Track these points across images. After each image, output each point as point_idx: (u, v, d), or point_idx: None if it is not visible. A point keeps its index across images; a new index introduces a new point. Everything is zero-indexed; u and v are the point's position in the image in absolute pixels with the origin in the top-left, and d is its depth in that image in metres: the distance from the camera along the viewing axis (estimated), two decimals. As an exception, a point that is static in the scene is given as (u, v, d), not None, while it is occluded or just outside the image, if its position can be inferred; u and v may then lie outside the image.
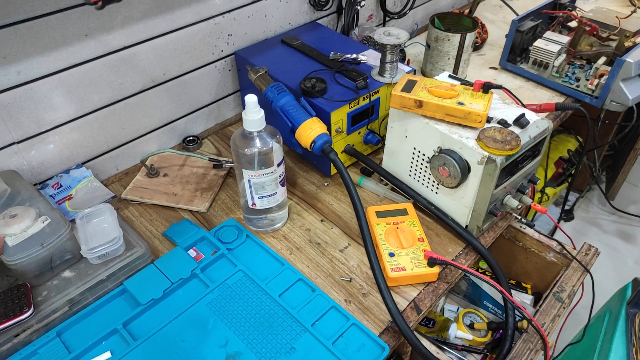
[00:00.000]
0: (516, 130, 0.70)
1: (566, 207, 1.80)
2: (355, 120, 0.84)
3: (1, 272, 0.66)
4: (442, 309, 0.94)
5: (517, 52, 1.14)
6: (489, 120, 0.71)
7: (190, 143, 0.96)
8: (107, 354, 0.62)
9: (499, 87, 0.74)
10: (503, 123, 0.70)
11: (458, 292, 0.94)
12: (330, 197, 0.86)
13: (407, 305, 0.68)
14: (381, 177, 0.86)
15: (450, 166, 0.69)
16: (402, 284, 0.70)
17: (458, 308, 0.91)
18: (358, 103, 0.82)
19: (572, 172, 1.60)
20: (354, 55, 0.91)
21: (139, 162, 0.92)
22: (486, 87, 0.72)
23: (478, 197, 0.71)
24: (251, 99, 0.66)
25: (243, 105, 1.04)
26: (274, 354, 0.62)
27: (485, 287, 0.87)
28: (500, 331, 0.83)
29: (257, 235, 0.78)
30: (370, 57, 0.92)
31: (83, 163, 0.84)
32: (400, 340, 0.65)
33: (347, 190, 0.71)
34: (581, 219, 1.84)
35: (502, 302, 0.85)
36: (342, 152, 0.87)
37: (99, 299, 0.67)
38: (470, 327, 0.85)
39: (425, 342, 0.66)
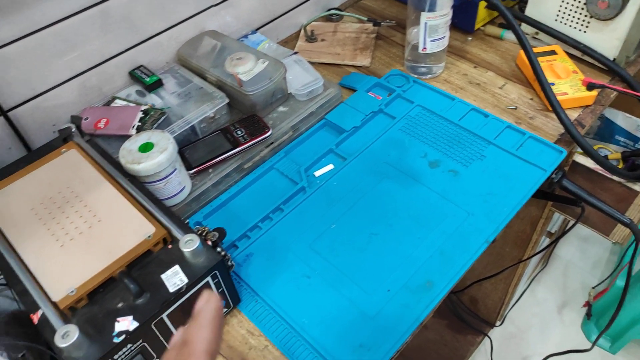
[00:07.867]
0: (673, -40, 0.76)
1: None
2: (500, -26, 0.92)
3: (231, 108, 0.80)
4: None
5: None
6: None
7: (334, 15, 1.05)
8: (330, 166, 0.76)
9: None
10: (660, -46, 0.77)
11: (588, 132, 1.04)
12: (476, 49, 0.95)
13: (572, 122, 0.79)
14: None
15: (612, -4, 0.77)
16: (564, 107, 0.81)
17: (588, 146, 1.02)
18: (506, -44, 0.89)
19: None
20: None
21: (293, 32, 1.03)
22: None
23: (633, 26, 0.79)
24: (437, -59, 0.74)
25: (372, -21, 1.12)
26: (468, 160, 0.75)
27: (620, 121, 0.97)
28: (631, 160, 0.94)
29: (421, 80, 0.89)
30: None
31: (256, 29, 0.95)
32: (571, 146, 0.77)
33: (511, 28, 0.80)
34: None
35: (636, 134, 0.95)
36: (485, 7, 0.95)
37: (308, 129, 0.81)
38: (605, 158, 0.96)
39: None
